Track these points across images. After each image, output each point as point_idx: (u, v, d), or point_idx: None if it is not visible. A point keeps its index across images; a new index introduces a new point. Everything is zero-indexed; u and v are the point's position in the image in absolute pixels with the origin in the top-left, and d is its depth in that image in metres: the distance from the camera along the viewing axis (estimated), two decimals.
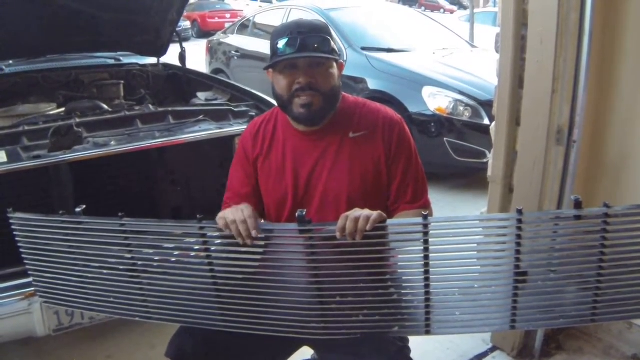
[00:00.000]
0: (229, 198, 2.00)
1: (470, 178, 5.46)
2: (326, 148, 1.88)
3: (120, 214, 1.65)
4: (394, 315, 1.61)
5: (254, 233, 1.60)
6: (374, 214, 1.55)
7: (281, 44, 1.76)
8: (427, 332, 1.61)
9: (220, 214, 1.68)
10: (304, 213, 1.53)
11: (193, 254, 1.67)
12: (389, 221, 1.62)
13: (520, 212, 1.47)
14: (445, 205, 4.87)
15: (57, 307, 2.24)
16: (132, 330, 3.01)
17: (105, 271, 1.72)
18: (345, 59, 5.89)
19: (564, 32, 2.33)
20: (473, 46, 7.34)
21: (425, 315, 1.58)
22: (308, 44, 1.75)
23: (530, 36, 2.45)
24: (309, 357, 2.13)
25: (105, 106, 3.48)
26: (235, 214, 1.62)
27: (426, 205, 1.90)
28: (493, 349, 2.91)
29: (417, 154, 1.95)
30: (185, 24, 20.66)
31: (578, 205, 1.47)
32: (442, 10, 31.63)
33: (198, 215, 1.60)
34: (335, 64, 1.85)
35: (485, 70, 5.34)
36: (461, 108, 5.14)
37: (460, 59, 6.10)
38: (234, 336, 1.69)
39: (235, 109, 3.20)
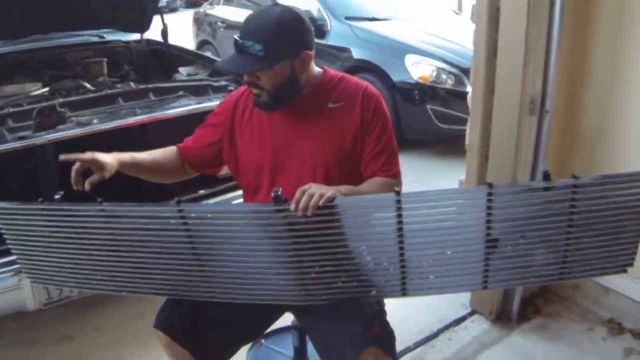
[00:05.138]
0: (185, 142, 2.09)
1: (453, 144, 5.42)
2: (306, 117, 1.92)
3: (99, 200, 1.66)
4: (371, 281, 1.68)
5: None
6: (329, 192, 1.56)
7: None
8: (404, 294, 1.67)
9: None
10: (279, 192, 1.57)
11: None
12: (365, 196, 1.69)
13: (490, 185, 1.51)
14: (430, 171, 4.97)
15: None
16: (121, 301, 3.09)
17: (90, 252, 1.74)
18: (329, 29, 5.95)
19: (536, 4, 2.36)
20: (457, 13, 7.33)
21: (401, 279, 1.64)
22: (243, 48, 1.78)
23: (503, 7, 2.48)
24: (290, 324, 2.21)
25: (88, 85, 3.51)
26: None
27: (396, 175, 1.93)
28: (472, 313, 2.97)
29: (392, 127, 1.99)
30: None
31: (547, 177, 1.51)
32: None
33: (176, 198, 1.63)
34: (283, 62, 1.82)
35: (469, 38, 5.31)
36: (444, 76, 5.18)
37: (444, 27, 6.09)
38: (220, 306, 1.75)
39: (215, 84, 3.24)
